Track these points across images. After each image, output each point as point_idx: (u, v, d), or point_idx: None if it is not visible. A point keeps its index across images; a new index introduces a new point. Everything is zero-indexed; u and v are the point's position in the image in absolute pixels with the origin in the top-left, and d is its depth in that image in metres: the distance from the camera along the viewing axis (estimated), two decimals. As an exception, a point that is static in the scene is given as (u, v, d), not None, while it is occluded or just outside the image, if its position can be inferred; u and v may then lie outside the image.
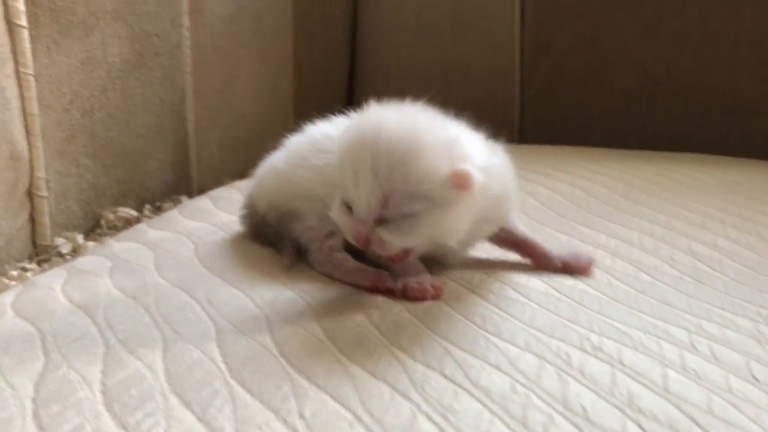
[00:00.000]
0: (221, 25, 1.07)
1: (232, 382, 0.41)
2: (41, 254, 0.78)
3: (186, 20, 0.99)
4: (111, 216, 0.87)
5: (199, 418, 0.37)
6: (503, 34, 1.36)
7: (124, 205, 0.92)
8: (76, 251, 0.79)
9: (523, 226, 0.63)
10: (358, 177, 0.50)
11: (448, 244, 0.54)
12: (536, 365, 0.44)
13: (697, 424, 0.38)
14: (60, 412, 0.38)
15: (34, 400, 0.39)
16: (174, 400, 0.39)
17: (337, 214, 0.53)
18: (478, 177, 0.51)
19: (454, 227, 0.53)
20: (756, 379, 0.44)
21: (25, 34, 0.74)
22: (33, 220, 0.78)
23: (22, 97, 0.75)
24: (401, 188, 0.49)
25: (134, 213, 0.89)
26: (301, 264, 0.61)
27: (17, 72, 0.74)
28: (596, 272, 0.62)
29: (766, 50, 1.18)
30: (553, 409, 0.39)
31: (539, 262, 0.62)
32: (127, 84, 0.90)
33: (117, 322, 0.49)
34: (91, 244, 0.80)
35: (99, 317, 0.50)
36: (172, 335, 0.47)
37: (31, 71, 0.75)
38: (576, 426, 0.38)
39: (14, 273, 0.70)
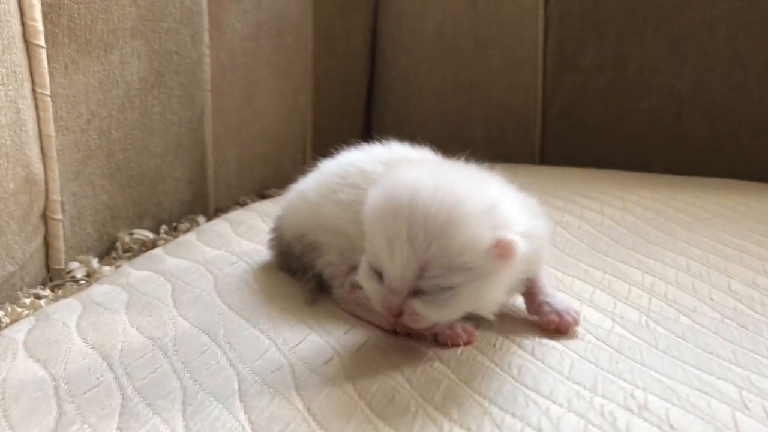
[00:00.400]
0: (241, 42, 1.05)
1: (258, 445, 0.38)
2: (55, 278, 0.76)
3: (206, 37, 0.97)
4: (126, 238, 0.85)
5: (223, 488, 0.35)
6: (526, 52, 1.33)
7: (140, 225, 0.89)
8: (90, 276, 0.77)
9: (545, 275, 0.58)
10: (393, 245, 0.46)
11: (484, 316, 0.51)
12: (581, 428, 0.41)
13: (758, 502, 0.36)
14: (74, 477, 0.36)
15: (47, 462, 0.37)
16: (196, 465, 0.36)
17: (365, 280, 0.49)
18: (521, 244, 0.47)
19: (494, 298, 0.50)
20: (816, 447, 0.41)
21: (43, 54, 0.72)
22: (47, 243, 0.76)
23: (39, 119, 0.73)
24: (440, 260, 0.46)
25: (150, 235, 0.87)
26: (325, 300, 0.59)
27: (34, 92, 0.72)
28: (633, 314, 0.59)
29: (797, 72, 1.15)
30: (602, 482, 0.36)
31: (534, 308, 0.56)
32: (146, 103, 0.88)
33: (134, 368, 0.47)
34: (106, 268, 0.78)
35: (115, 362, 0.48)
36: (192, 386, 0.44)
37: (48, 92, 0.73)
38: (629, 504, 0.35)
39: (27, 301, 0.68)
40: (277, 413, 0.41)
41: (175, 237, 0.87)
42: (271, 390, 0.44)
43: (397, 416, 0.41)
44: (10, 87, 0.68)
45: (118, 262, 0.80)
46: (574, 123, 1.32)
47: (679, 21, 1.22)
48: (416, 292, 0.47)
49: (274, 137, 1.17)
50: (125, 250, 0.84)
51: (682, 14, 1.22)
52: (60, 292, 0.72)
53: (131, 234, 0.86)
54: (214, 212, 1.02)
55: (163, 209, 0.94)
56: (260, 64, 1.10)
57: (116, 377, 0.46)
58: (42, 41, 0.72)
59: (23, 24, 0.70)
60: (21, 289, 0.71)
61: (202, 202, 1.01)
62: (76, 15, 0.77)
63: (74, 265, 0.78)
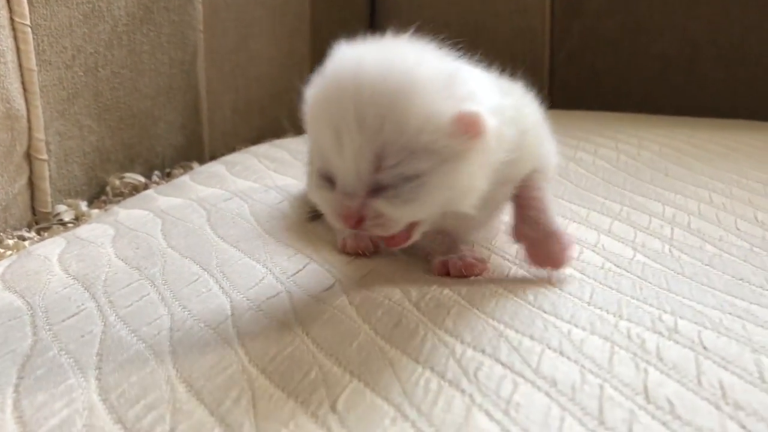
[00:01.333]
0: (234, -20, 1.00)
1: (252, 369, 0.34)
2: (41, 222, 0.72)
3: (197, -27, 0.92)
4: (117, 182, 0.81)
5: (211, 412, 0.31)
6: (533, -6, 1.29)
7: (131, 170, 0.85)
8: (79, 219, 0.73)
9: (550, 196, 0.50)
10: (340, 135, 0.39)
11: (463, 211, 0.43)
12: (607, 350, 0.37)
13: (807, 422, 0.32)
14: (46, 402, 0.32)
15: (16, 388, 0.33)
16: (182, 390, 0.33)
17: (315, 192, 0.42)
18: (490, 120, 0.40)
19: (469, 187, 0.41)
20: None
21: (21, -20, 0.68)
22: (32, 185, 0.72)
23: (18, 51, 0.69)
24: (397, 142, 0.39)
25: (142, 179, 0.83)
26: (327, 233, 0.55)
27: (12, 22, 0.68)
28: (656, 243, 0.55)
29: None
30: (634, 403, 0.33)
31: (518, 231, 0.48)
32: (134, 40, 0.83)
33: (119, 296, 0.43)
34: (95, 211, 0.74)
35: (98, 291, 0.44)
36: (180, 312, 0.41)
37: (27, 22, 0.69)
38: (665, 425, 0.31)
39: (10, 242, 0.64)
40: (274, 337, 0.37)
41: (167, 181, 0.83)
42: (268, 315, 0.40)
43: (405, 340, 0.38)
44: (-14, 15, 0.64)
45: (108, 206, 0.76)
46: (583, 68, 1.29)
47: (692, -41, 1.18)
48: (376, 190, 0.39)
49: (270, 84, 1.12)
50: (116, 194, 0.80)
51: (695, -49, 1.18)
52: (46, 234, 0.68)
53: (122, 178, 0.82)
54: (209, 160, 0.98)
55: (155, 154, 0.89)
56: (255, 4, 1.05)
57: (98, 305, 0.42)
58: (20, -33, 0.67)
59: (-1, -53, 0.66)
60: (4, 231, 0.67)
61: (196, 148, 0.97)
62: (56, -60, 0.72)
63: (61, 208, 0.74)
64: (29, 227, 0.71)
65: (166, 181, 0.85)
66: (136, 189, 0.81)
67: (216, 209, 0.60)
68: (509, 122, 0.44)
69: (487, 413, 0.32)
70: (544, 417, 0.31)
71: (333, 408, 0.32)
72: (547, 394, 0.33)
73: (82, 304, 0.42)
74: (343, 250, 0.51)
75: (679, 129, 0.94)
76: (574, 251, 0.47)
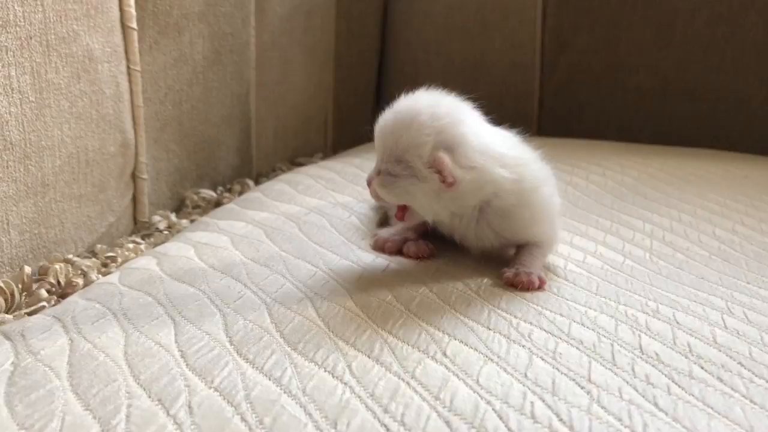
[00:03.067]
0: (279, 24, 1.17)
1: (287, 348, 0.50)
2: (141, 230, 0.89)
3: (253, 20, 1.09)
4: (194, 197, 0.98)
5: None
6: (525, 34, 1.46)
7: (201, 186, 1.02)
8: (171, 227, 0.89)
9: (543, 256, 0.66)
10: (378, 144, 0.64)
11: (426, 219, 0.64)
12: (613, 324, 0.55)
13: (743, 365, 0.50)
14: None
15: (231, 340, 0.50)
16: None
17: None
18: (451, 166, 0.59)
19: (423, 204, 0.62)
20: (783, 336, 0.55)
21: (135, 36, 0.84)
22: (135, 199, 0.89)
23: (131, 92, 0.85)
24: (393, 151, 0.61)
25: (214, 194, 1.00)
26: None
27: (128, 69, 0.84)
28: (639, 251, 0.73)
29: (769, 54, 1.30)
30: (634, 354, 0.51)
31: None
32: (208, 78, 1.00)
33: (264, 285, 0.60)
34: (183, 221, 0.90)
35: (247, 281, 0.61)
36: (318, 300, 0.58)
37: (138, 68, 0.85)
38: (654, 366, 0.49)
39: (130, 246, 0.80)
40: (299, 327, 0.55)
41: (231, 197, 1.00)
42: (368, 292, 0.58)
43: (478, 314, 0.55)
44: (113, 64, 0.80)
45: (192, 216, 0.92)
46: (568, 99, 1.45)
47: (664, 7, 1.36)
48: (380, 173, 0.62)
49: (303, 110, 1.29)
50: (194, 207, 0.97)
51: (666, 1, 1.36)
52: (152, 239, 0.85)
53: (197, 193, 0.99)
54: (256, 177, 1.15)
55: (218, 173, 1.06)
56: (294, 44, 1.22)
57: (254, 291, 0.59)
58: (135, 24, 0.84)
59: (121, 9, 0.82)
60: (120, 237, 0.84)
61: (247, 167, 1.14)
62: (158, 1, 0.88)
63: (156, 218, 0.90)
64: (135, 234, 0.87)
65: (228, 196, 1.01)
66: (209, 203, 0.98)
67: (303, 222, 0.77)
68: (488, 182, 0.61)
69: (543, 359, 0.49)
70: (578, 361, 0.49)
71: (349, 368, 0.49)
72: (578, 348, 0.51)
73: (240, 291, 0.59)
74: (407, 255, 0.68)
75: (653, 157, 1.13)
76: (543, 284, 0.62)
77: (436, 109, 0.61)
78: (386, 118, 0.63)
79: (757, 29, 1.30)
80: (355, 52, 1.45)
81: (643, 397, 0.45)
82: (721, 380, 0.48)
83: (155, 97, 0.91)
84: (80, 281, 0.69)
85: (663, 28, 1.37)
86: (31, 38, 0.68)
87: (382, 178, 0.62)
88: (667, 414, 0.43)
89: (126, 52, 0.84)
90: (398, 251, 0.68)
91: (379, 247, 0.69)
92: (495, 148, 0.62)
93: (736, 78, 1.33)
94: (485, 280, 0.63)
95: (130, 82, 0.85)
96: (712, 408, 0.45)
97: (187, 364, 0.47)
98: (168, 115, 0.94)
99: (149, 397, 0.43)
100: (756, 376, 0.49)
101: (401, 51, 1.54)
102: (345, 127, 1.43)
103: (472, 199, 0.62)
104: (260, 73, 1.13)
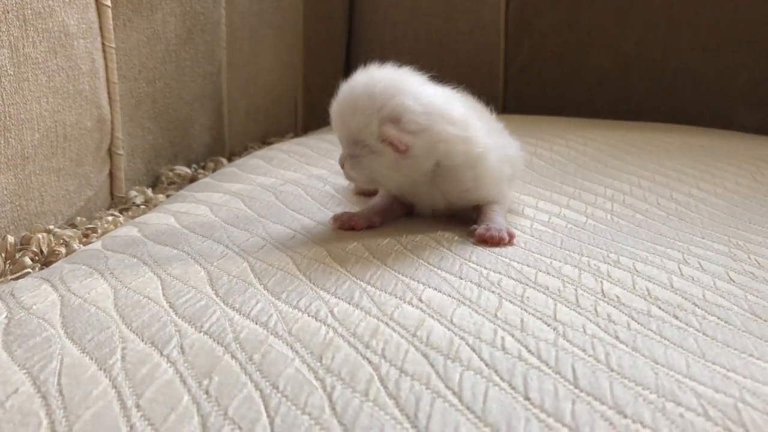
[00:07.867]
0: (249, 5, 1.19)
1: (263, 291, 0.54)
2: (118, 204, 0.90)
3: (223, 0, 1.11)
4: (170, 173, 0.99)
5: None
6: (490, 16, 1.50)
7: (175, 164, 1.04)
8: (147, 202, 0.91)
9: (503, 214, 0.69)
10: (336, 127, 0.68)
11: (392, 190, 0.69)
12: (576, 272, 0.59)
13: (696, 305, 0.54)
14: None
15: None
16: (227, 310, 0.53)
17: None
18: (407, 139, 0.63)
19: (385, 175, 0.66)
20: (732, 281, 0.60)
21: (109, 13, 0.86)
22: (111, 174, 0.90)
23: (107, 68, 0.86)
24: (351, 134, 0.65)
25: (189, 170, 1.02)
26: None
27: (103, 45, 0.85)
28: (601, 213, 0.77)
29: (722, 33, 1.35)
30: (596, 297, 0.54)
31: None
32: (180, 57, 1.02)
33: (250, 244, 0.63)
34: (160, 196, 0.92)
35: (225, 240, 0.63)
36: (296, 256, 0.61)
37: (113, 45, 0.87)
38: (616, 307, 0.53)
39: (109, 218, 0.82)
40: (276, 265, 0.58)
41: (205, 174, 1.02)
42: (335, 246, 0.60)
43: (438, 261, 0.58)
44: (88, 40, 0.81)
45: (168, 192, 0.94)
46: (532, 79, 1.49)
47: (623, -12, 1.41)
48: (349, 155, 0.66)
49: (273, 91, 1.31)
50: (169, 183, 0.98)
51: (626, -18, 1.41)
52: (130, 213, 0.86)
53: (172, 170, 1.00)
54: (229, 156, 1.17)
55: (192, 151, 1.08)
56: (263, 25, 1.24)
57: (234, 252, 0.61)
58: (108, 2, 0.85)
59: (94, -13, 0.83)
60: (99, 211, 0.85)
61: (220, 146, 1.15)
62: (131, -21, 0.90)
63: (133, 193, 0.92)
64: (112, 209, 0.89)
65: (203, 173, 1.03)
66: (184, 179, 1.00)
67: (279, 191, 0.80)
68: (440, 143, 0.64)
69: (511, 302, 0.53)
70: (544, 303, 0.53)
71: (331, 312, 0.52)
72: (544, 293, 0.54)
73: (223, 251, 0.61)
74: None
75: (614, 131, 1.17)
76: (513, 239, 0.65)
77: (373, 87, 0.64)
78: (334, 107, 0.66)
79: (710, 9, 1.36)
80: (324, 34, 1.47)
81: (605, 332, 0.49)
82: (676, 317, 0.52)
83: (129, 74, 0.92)
84: (63, 250, 0.70)
85: (622, 9, 1.42)
86: (8, 12, 0.69)
87: (350, 159, 0.66)
88: (627, 345, 0.47)
89: (101, 29, 0.85)
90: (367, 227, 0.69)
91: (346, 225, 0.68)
92: (440, 108, 0.65)
93: (692, 56, 1.38)
94: (456, 238, 0.66)
95: (105, 58, 0.86)
96: (668, 340, 0.48)
97: (176, 313, 0.49)
98: (142, 93, 0.95)
99: (142, 340, 0.46)
100: (708, 314, 0.53)
101: (369, 33, 1.56)
102: (314, 108, 1.45)
103: (427, 160, 0.65)
104: (231, 53, 1.15)
